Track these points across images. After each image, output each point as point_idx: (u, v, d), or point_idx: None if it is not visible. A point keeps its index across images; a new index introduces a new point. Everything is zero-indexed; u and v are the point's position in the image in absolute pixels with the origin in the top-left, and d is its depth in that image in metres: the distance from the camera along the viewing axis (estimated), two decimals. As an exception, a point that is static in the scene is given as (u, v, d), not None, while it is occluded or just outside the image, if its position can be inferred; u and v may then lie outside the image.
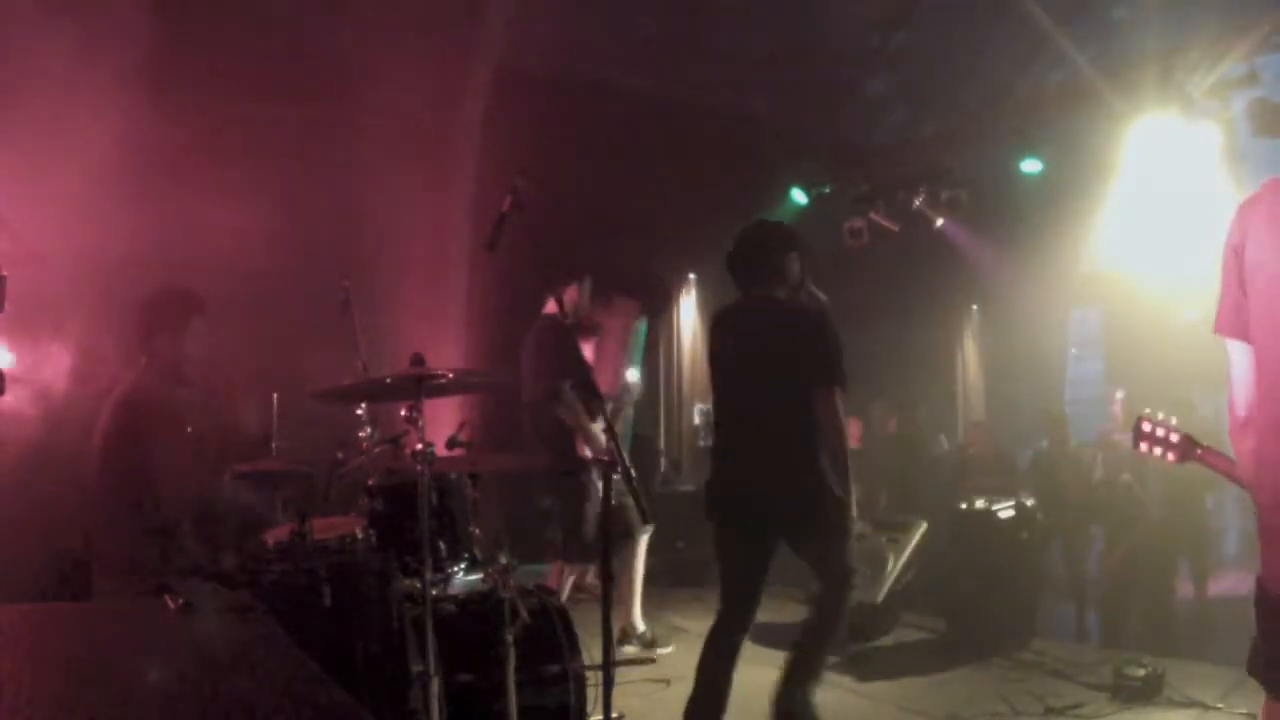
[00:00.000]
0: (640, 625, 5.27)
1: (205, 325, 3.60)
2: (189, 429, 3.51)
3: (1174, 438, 2.52)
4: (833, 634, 3.67)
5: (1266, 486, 2.04)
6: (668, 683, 4.62)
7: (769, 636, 5.63)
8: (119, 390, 3.48)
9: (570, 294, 5.13)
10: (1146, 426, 2.56)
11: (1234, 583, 6.11)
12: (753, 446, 3.58)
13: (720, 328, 3.80)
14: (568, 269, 5.20)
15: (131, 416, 3.38)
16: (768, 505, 3.50)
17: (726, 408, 3.75)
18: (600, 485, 4.97)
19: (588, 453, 5.05)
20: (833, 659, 4.79)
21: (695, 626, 5.94)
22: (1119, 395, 7.47)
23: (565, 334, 5.12)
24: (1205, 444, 2.51)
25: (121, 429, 3.37)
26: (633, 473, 3.48)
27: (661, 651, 5.19)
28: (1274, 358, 2.03)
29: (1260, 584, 2.08)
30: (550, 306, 5.21)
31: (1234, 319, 2.11)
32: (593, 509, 5.05)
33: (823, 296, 3.79)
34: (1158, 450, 2.54)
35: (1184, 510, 6.19)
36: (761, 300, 3.66)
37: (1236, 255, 2.10)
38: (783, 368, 3.53)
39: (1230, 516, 7.07)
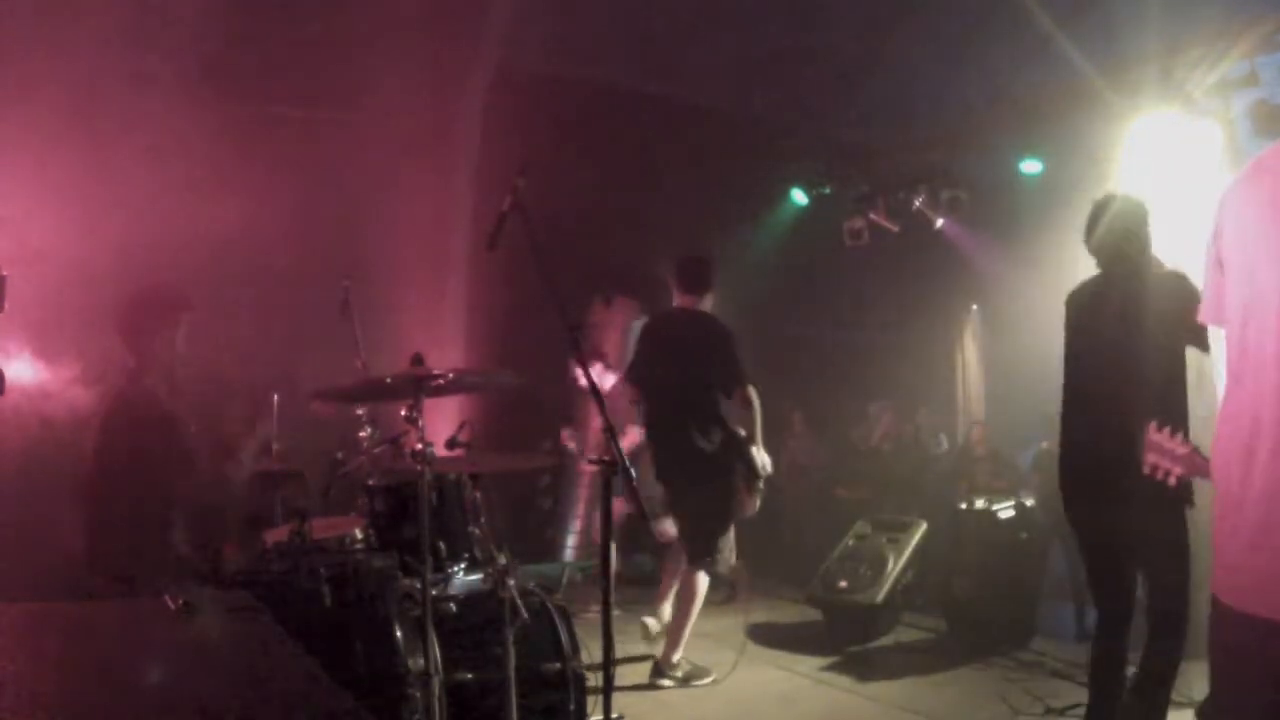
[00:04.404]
0: (675, 658, 4.72)
1: (193, 323, 3.51)
2: (187, 441, 3.45)
3: (1180, 450, 2.17)
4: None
5: (1217, 481, 1.93)
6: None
7: (768, 636, 5.64)
8: (113, 400, 3.41)
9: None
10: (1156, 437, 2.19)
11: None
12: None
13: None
14: (698, 275, 4.87)
15: (130, 430, 3.29)
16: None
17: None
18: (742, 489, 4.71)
19: (761, 461, 4.68)
20: (832, 658, 4.81)
21: (694, 627, 5.92)
22: None
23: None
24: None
25: (118, 442, 3.28)
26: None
27: (701, 683, 4.72)
28: (1239, 338, 1.95)
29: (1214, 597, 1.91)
30: (684, 300, 4.85)
31: (1216, 306, 2.06)
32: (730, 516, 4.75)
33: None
34: (1165, 463, 2.18)
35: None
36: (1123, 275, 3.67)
37: (1215, 240, 2.06)
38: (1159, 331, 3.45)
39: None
